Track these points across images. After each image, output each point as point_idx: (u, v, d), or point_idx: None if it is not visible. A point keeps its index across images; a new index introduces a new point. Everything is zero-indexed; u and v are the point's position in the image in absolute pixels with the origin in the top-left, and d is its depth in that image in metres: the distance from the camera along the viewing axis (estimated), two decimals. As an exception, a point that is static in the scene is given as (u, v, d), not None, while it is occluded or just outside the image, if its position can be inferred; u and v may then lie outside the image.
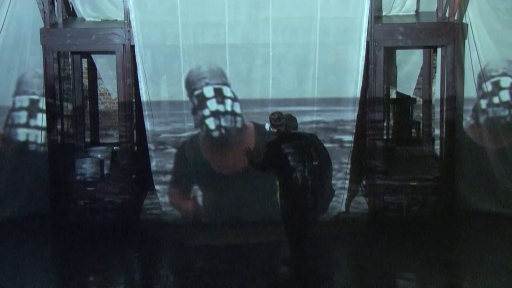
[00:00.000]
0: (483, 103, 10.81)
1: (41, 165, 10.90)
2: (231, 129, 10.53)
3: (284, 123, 9.27)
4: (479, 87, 10.79)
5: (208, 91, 10.46)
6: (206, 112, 10.51)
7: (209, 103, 10.46)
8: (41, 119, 11.02)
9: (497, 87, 10.75)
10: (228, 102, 10.53)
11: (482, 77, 10.72)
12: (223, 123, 10.61)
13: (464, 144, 10.90)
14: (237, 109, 10.52)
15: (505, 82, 10.74)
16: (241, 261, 9.26)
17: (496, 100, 10.75)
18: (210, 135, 10.57)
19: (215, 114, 10.53)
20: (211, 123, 10.51)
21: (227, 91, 10.50)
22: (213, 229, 10.25)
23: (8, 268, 9.14)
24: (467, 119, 10.94)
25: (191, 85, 10.56)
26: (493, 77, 10.73)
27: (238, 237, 9.99)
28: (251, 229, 10.17)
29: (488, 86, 10.72)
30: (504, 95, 10.74)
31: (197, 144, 10.67)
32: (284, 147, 8.99)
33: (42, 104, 10.88)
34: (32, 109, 11.03)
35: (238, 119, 10.63)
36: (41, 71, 10.55)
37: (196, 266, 9.16)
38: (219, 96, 10.51)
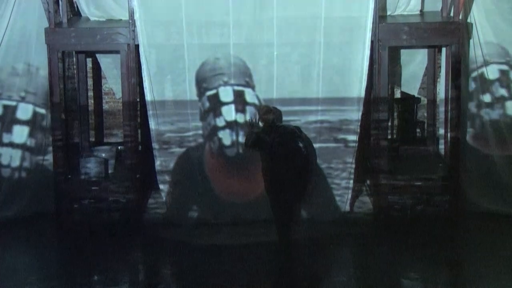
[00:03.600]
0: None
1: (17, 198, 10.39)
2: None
3: (272, 116, 9.43)
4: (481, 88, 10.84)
5: (226, 94, 9.96)
6: (220, 121, 10.01)
7: (225, 109, 10.00)
8: (19, 134, 10.42)
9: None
10: (251, 111, 10.03)
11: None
12: (241, 138, 9.95)
13: (469, 144, 10.90)
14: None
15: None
16: (245, 261, 9.25)
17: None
18: (223, 153, 9.91)
19: (232, 125, 9.97)
20: (226, 137, 9.92)
21: (251, 96, 10.01)
22: (218, 228, 10.21)
23: (13, 267, 9.14)
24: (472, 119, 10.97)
25: (202, 82, 10.02)
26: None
27: (243, 236, 9.95)
28: (255, 228, 10.12)
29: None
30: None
31: (202, 160, 9.99)
32: (270, 138, 9.16)
33: (23, 112, 10.37)
34: (5, 119, 10.61)
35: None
36: (20, 67, 10.48)
37: (200, 265, 9.13)
38: (240, 101, 9.91)
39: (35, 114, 10.88)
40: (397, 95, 12.16)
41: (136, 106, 10.49)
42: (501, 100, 10.73)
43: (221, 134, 9.94)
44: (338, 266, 9.27)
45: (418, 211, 10.32)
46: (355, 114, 10.25)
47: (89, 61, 11.83)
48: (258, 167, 9.53)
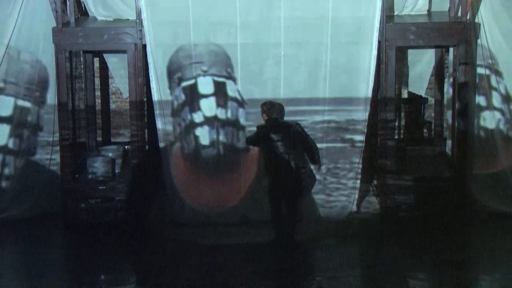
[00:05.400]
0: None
1: None
2: (232, 148, 9.46)
3: (275, 112, 9.45)
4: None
5: (205, 85, 9.38)
6: (198, 116, 9.51)
7: (204, 103, 9.54)
8: None
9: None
10: (233, 106, 9.60)
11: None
12: (222, 138, 9.46)
13: (476, 144, 10.86)
14: (243, 119, 9.57)
15: None
16: (251, 260, 9.28)
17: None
18: (198, 155, 9.22)
19: (212, 122, 9.50)
20: (204, 135, 9.32)
21: (232, 89, 9.51)
22: (224, 228, 10.20)
23: (20, 266, 9.21)
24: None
25: (176, 71, 9.43)
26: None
27: (249, 236, 9.94)
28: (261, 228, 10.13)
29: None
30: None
31: (168, 164, 9.24)
32: (271, 132, 9.20)
33: (2, 108, 9.93)
34: None
35: (242, 134, 9.54)
36: None
37: (207, 265, 9.14)
38: (221, 94, 9.35)
39: (17, 108, 10.57)
40: (404, 95, 12.20)
41: (143, 105, 10.51)
42: (478, 109, 10.75)
43: (198, 131, 9.40)
44: (344, 266, 9.23)
45: (425, 211, 10.32)
46: (362, 114, 10.26)
47: (96, 60, 11.86)
48: (239, 174, 9.17)
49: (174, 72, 9.25)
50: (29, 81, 10.71)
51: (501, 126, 10.78)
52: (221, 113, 9.33)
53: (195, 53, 9.44)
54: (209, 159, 9.37)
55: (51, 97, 10.80)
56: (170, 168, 9.68)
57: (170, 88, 9.39)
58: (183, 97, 9.28)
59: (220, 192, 9.49)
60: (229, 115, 9.56)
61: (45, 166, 10.88)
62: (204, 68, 9.31)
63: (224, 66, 9.46)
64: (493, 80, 10.70)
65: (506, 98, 10.74)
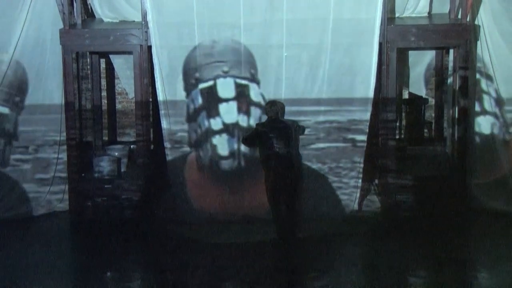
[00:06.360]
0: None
1: None
2: (255, 160, 8.73)
3: (277, 110, 9.26)
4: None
5: (226, 87, 8.64)
6: (216, 123, 8.76)
7: (224, 108, 8.88)
8: None
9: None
10: (256, 112, 8.91)
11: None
12: (244, 148, 8.65)
13: (476, 143, 10.91)
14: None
15: None
16: (257, 258, 9.29)
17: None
18: (216, 166, 8.39)
19: (232, 130, 8.80)
20: (222, 144, 8.55)
21: (256, 93, 8.73)
22: (229, 226, 10.16)
23: (28, 263, 9.17)
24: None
25: (193, 71, 8.64)
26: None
27: (254, 235, 9.92)
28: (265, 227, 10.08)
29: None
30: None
31: (182, 174, 8.49)
32: (270, 131, 8.91)
33: None
34: None
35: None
36: None
37: (212, 263, 9.16)
38: (243, 99, 8.60)
39: None
40: (405, 95, 12.15)
41: (149, 106, 10.53)
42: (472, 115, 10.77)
43: (216, 140, 8.72)
44: (346, 264, 9.26)
45: (425, 209, 10.34)
46: (363, 114, 10.29)
47: (102, 61, 11.88)
48: (260, 186, 8.61)
49: (191, 72, 8.49)
50: (8, 84, 10.66)
51: (496, 131, 10.82)
52: (242, 120, 8.71)
53: (215, 51, 8.66)
54: (228, 172, 8.59)
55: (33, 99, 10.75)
56: (180, 177, 8.99)
57: (186, 89, 8.69)
58: (200, 100, 8.57)
59: (237, 207, 8.73)
60: (251, 122, 9.01)
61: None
62: (225, 68, 8.62)
63: (247, 67, 8.76)
64: (484, 84, 10.75)
65: (498, 102, 10.77)
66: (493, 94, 10.80)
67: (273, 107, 9.57)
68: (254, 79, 8.37)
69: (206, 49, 8.77)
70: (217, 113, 8.54)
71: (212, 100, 8.57)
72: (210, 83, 8.48)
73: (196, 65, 8.69)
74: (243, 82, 8.44)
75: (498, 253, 9.34)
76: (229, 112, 8.71)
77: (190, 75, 8.61)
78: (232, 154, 8.44)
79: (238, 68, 8.56)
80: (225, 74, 8.32)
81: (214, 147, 8.21)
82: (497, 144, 10.83)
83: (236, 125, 8.56)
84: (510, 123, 10.77)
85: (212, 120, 8.46)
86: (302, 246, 9.62)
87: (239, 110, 8.38)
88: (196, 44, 10.03)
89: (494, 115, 10.85)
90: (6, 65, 10.59)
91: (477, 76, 10.75)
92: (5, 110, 10.64)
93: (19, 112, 10.81)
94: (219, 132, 8.45)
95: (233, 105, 8.54)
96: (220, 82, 8.56)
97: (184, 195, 9.16)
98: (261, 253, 9.44)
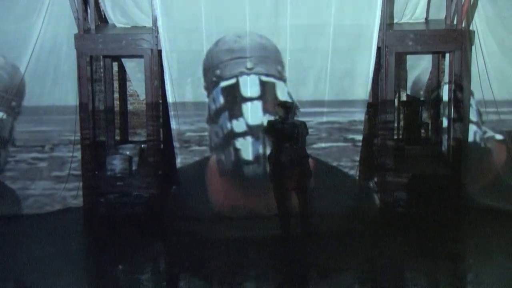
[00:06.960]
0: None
1: None
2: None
3: (288, 110, 9.01)
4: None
5: (249, 86, 7.79)
6: (240, 125, 7.95)
7: (247, 108, 8.14)
8: None
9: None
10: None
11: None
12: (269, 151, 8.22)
13: (470, 143, 11.03)
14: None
15: None
16: (263, 254, 9.36)
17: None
18: (239, 171, 7.52)
19: (257, 132, 7.97)
20: (246, 148, 7.69)
21: (283, 92, 7.96)
22: (236, 222, 10.23)
23: (43, 257, 9.31)
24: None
25: (215, 68, 7.88)
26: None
27: (259, 230, 9.98)
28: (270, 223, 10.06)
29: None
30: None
31: (203, 177, 7.74)
32: (278, 128, 8.56)
33: None
34: None
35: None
36: None
37: (219, 258, 9.26)
38: (269, 98, 7.78)
39: None
40: (403, 98, 12.20)
41: (159, 107, 10.69)
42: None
43: (239, 143, 8.18)
44: (345, 260, 9.21)
45: (422, 207, 10.43)
46: (362, 116, 10.43)
47: (115, 65, 11.96)
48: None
49: (211, 69, 7.60)
50: (5, 89, 10.71)
51: (478, 139, 10.95)
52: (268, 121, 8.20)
53: (237, 46, 7.87)
54: (253, 178, 7.84)
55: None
56: (194, 180, 8.10)
57: (207, 88, 7.87)
58: (221, 100, 7.86)
59: (256, 208, 7.99)
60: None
61: None
62: (249, 65, 7.82)
63: (273, 63, 8.04)
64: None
65: (478, 112, 10.90)
66: (474, 106, 10.95)
67: (282, 108, 9.40)
68: (281, 76, 7.59)
69: (228, 43, 8.09)
70: (240, 114, 7.93)
71: (234, 99, 7.93)
72: (232, 81, 7.81)
73: (217, 62, 8.09)
74: (269, 79, 7.73)
75: (491, 248, 9.47)
76: (253, 113, 8.16)
77: (211, 72, 7.93)
78: (257, 159, 7.77)
79: (263, 64, 7.90)
80: (249, 71, 7.63)
81: (237, 151, 7.57)
82: (480, 151, 10.97)
83: (261, 127, 8.07)
84: (486, 131, 10.92)
85: (235, 122, 7.84)
86: (301, 242, 9.62)
87: (265, 110, 7.69)
88: (203, 48, 10.05)
89: (476, 123, 10.99)
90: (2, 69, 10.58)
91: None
92: (1, 115, 10.65)
93: (15, 116, 10.86)
94: (243, 134, 7.76)
95: (258, 105, 7.93)
96: (243, 79, 7.94)
97: (198, 194, 9.14)
98: (265, 248, 9.52)
